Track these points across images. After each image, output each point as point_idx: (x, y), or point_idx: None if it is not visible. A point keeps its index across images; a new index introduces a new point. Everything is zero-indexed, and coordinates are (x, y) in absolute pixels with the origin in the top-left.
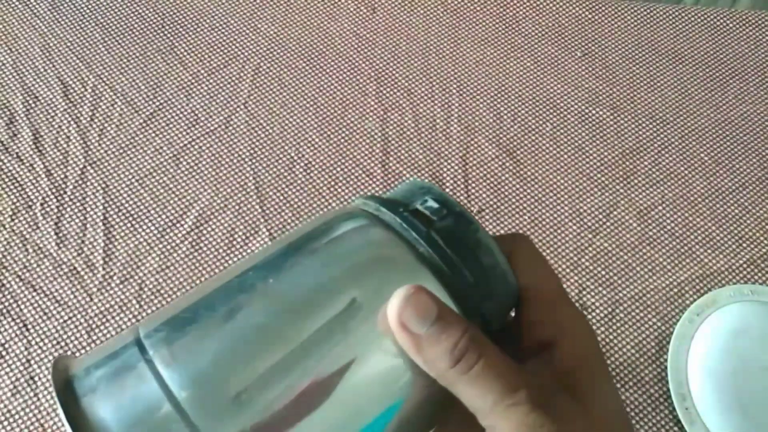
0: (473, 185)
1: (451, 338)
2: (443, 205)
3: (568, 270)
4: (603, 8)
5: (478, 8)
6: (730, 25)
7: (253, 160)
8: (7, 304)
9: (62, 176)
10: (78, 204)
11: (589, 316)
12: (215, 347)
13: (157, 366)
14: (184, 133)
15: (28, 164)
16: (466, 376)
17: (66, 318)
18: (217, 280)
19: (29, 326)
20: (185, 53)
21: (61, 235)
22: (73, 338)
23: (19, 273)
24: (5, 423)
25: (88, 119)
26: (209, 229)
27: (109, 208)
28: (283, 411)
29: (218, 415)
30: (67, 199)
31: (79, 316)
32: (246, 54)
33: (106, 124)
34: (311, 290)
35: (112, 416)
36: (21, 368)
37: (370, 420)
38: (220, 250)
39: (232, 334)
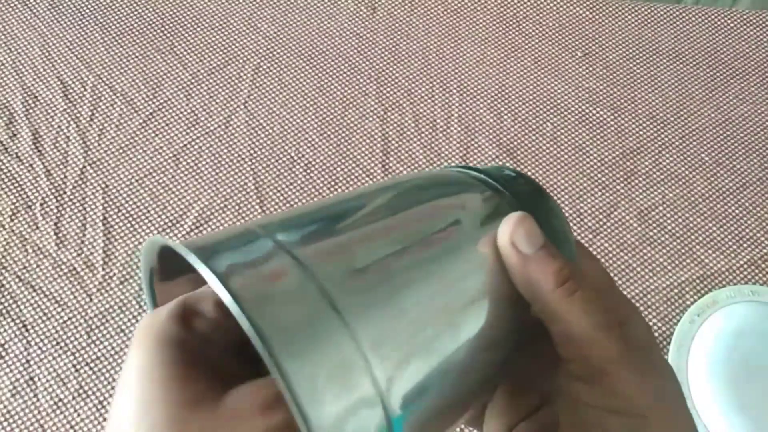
0: None
1: (556, 263)
2: (520, 175)
3: None
4: (603, 8)
5: (479, 8)
6: (731, 24)
7: (253, 160)
8: (6, 304)
9: (62, 176)
10: (78, 204)
11: None
12: (341, 236)
13: (286, 245)
14: (184, 133)
15: (27, 164)
16: (569, 298)
17: (66, 318)
18: (333, 199)
19: (29, 326)
20: (185, 53)
21: (60, 235)
22: (72, 338)
23: (19, 273)
24: (5, 424)
25: (88, 119)
26: (209, 229)
27: (108, 208)
28: (395, 291)
29: (344, 281)
30: (66, 199)
31: (78, 316)
32: (246, 54)
33: (105, 124)
34: (427, 207)
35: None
36: (21, 369)
37: (457, 325)
38: None
39: (357, 230)
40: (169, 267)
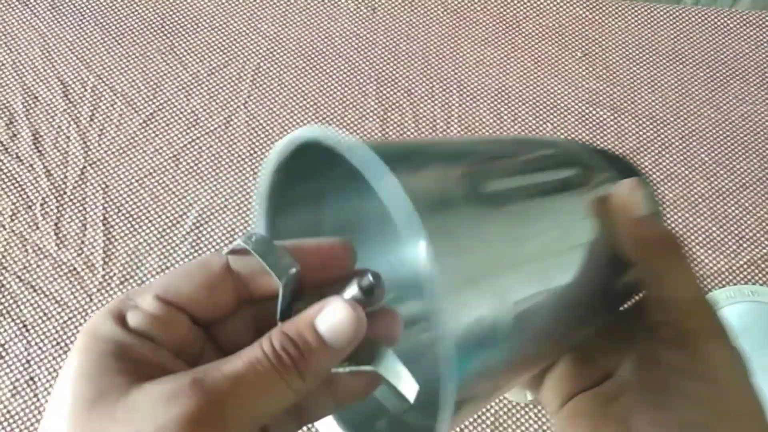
0: None
1: (665, 229)
2: (621, 157)
3: None
4: (603, 8)
5: (479, 8)
6: (731, 25)
7: (253, 160)
8: (6, 304)
9: (62, 176)
10: (78, 204)
11: None
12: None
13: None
14: (184, 133)
15: (27, 164)
16: (681, 263)
17: (66, 318)
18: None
19: (29, 327)
20: (185, 53)
21: (60, 235)
22: (72, 339)
23: (19, 273)
24: (5, 424)
25: (88, 119)
26: (209, 229)
27: (108, 209)
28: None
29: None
30: (66, 199)
31: (79, 316)
32: (246, 54)
33: (105, 125)
34: (543, 162)
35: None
36: (21, 369)
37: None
38: (220, 251)
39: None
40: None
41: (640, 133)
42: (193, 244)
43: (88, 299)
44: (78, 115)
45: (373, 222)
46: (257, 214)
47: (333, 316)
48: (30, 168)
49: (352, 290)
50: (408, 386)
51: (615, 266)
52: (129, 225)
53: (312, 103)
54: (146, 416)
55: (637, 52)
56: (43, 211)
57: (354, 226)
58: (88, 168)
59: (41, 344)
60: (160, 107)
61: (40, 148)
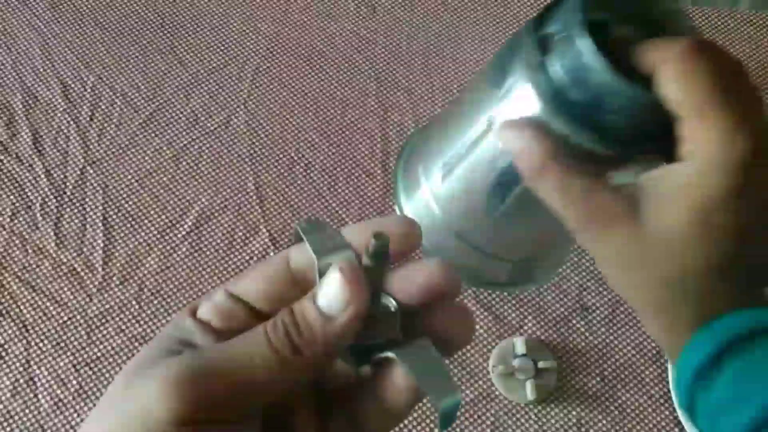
0: None
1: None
2: None
3: (568, 270)
4: None
5: (479, 8)
6: (731, 25)
7: (253, 161)
8: (6, 304)
9: (62, 176)
10: (78, 204)
11: (590, 317)
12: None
13: None
14: (184, 133)
15: (27, 164)
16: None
17: (66, 318)
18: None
19: (29, 327)
20: (185, 53)
21: (60, 235)
22: (72, 339)
23: (19, 273)
24: (5, 424)
25: (88, 119)
26: (209, 229)
27: (108, 209)
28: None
29: None
30: (66, 199)
31: (78, 316)
32: (246, 54)
33: (105, 124)
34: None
35: None
36: (20, 369)
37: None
38: (220, 251)
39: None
40: None
41: None
42: (193, 244)
43: (88, 299)
44: (78, 114)
45: None
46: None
47: (327, 287)
48: (30, 168)
49: (364, 258)
50: (440, 389)
51: None
52: (129, 225)
53: (312, 103)
54: (144, 388)
55: None
56: (43, 211)
57: None
58: (88, 168)
59: (41, 344)
60: (160, 107)
61: (40, 148)
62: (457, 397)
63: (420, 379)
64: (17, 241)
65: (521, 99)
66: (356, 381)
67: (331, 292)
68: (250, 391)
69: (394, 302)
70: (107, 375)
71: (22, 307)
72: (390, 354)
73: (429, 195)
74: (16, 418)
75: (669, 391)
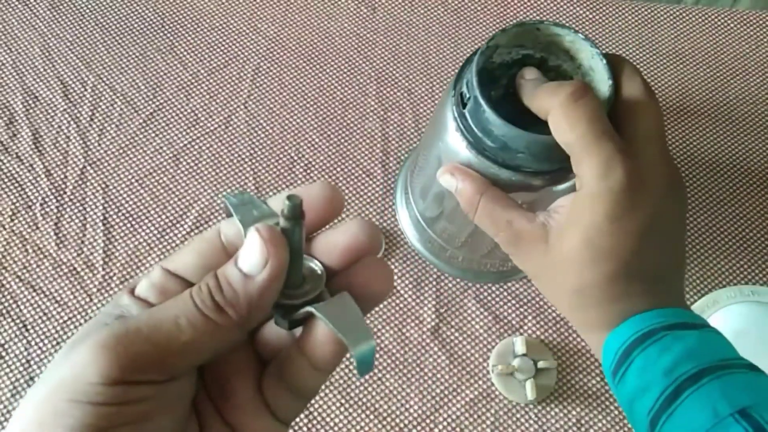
0: None
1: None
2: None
3: None
4: (603, 8)
5: (479, 8)
6: (731, 24)
7: (253, 160)
8: (6, 304)
9: (62, 176)
10: (78, 204)
11: None
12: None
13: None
14: (184, 133)
15: (27, 164)
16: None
17: (66, 318)
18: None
19: (29, 327)
20: (185, 53)
21: (60, 235)
22: None
23: (19, 273)
24: (5, 424)
25: (88, 119)
26: (209, 229)
27: (109, 208)
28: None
29: None
30: (66, 199)
31: (78, 316)
32: (246, 54)
33: (105, 124)
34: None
35: None
36: (21, 369)
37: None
38: None
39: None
40: None
41: None
42: None
43: (88, 299)
44: (78, 115)
45: None
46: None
47: (246, 249)
48: (30, 168)
49: (281, 220)
50: (355, 337)
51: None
52: (129, 225)
53: (312, 103)
54: (76, 354)
55: (638, 51)
56: (43, 211)
57: None
58: (88, 168)
59: (41, 344)
60: (160, 107)
61: (40, 148)
62: (371, 344)
63: (337, 329)
64: (17, 241)
65: (455, 140)
66: (289, 341)
67: (250, 253)
68: (178, 351)
69: (319, 264)
70: None
71: (22, 307)
72: (309, 309)
73: (416, 211)
74: None
75: None
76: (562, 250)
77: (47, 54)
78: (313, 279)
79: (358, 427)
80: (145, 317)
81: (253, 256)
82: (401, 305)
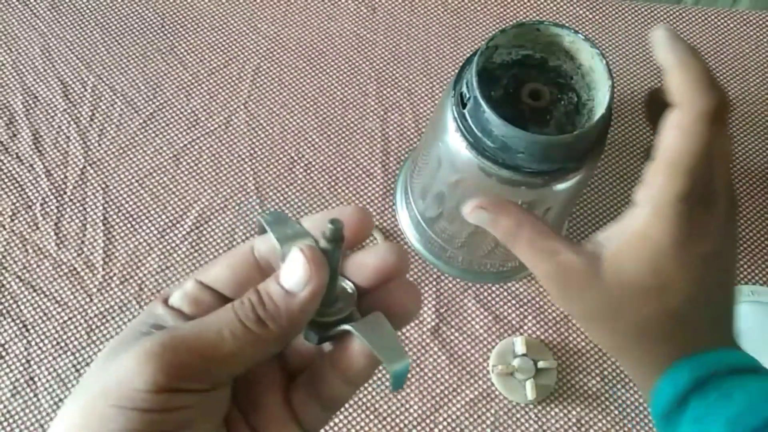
0: None
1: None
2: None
3: None
4: (603, 8)
5: (479, 8)
6: (731, 25)
7: (253, 160)
8: (7, 304)
9: (62, 176)
10: (78, 204)
11: None
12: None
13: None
14: (184, 133)
15: (27, 164)
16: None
17: (66, 318)
18: None
19: (29, 326)
20: (185, 53)
21: (61, 235)
22: (73, 339)
23: (19, 273)
24: (5, 424)
25: (88, 119)
26: (209, 229)
27: (109, 209)
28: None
29: None
30: (67, 199)
31: (78, 316)
32: (246, 54)
33: (105, 125)
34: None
35: None
36: (21, 369)
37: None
38: (220, 251)
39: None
40: None
41: (640, 132)
42: (193, 244)
43: (88, 299)
44: (78, 115)
45: None
46: None
47: (290, 267)
48: (30, 168)
49: (322, 242)
50: (391, 355)
51: None
52: (129, 225)
53: (312, 103)
54: (120, 361)
55: (638, 52)
56: (43, 211)
57: None
58: (88, 168)
59: (41, 344)
60: (160, 107)
61: (40, 148)
62: (406, 362)
63: (374, 348)
64: (17, 241)
65: (455, 140)
66: (317, 355)
67: (293, 271)
68: (220, 361)
69: (351, 284)
70: None
71: (22, 307)
72: (347, 327)
73: (415, 212)
74: (16, 418)
75: None
76: (618, 283)
77: (47, 54)
78: (345, 298)
79: (358, 427)
80: (189, 327)
81: (296, 275)
82: None
